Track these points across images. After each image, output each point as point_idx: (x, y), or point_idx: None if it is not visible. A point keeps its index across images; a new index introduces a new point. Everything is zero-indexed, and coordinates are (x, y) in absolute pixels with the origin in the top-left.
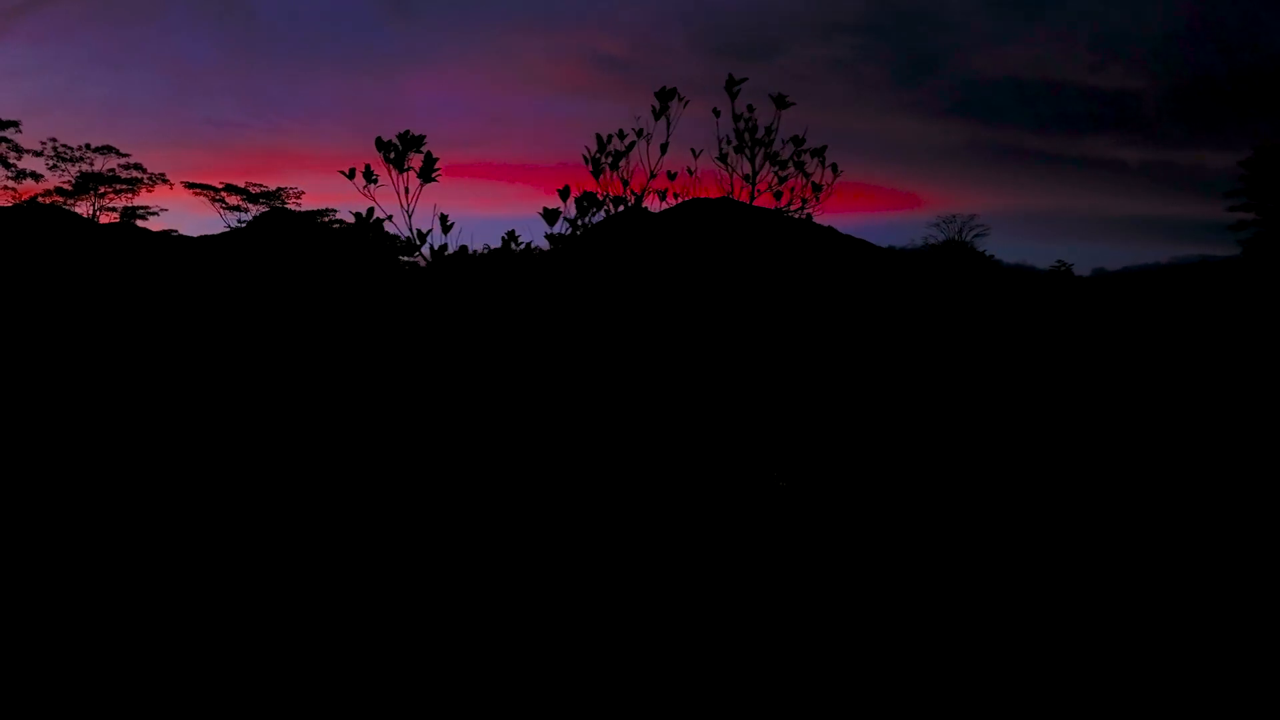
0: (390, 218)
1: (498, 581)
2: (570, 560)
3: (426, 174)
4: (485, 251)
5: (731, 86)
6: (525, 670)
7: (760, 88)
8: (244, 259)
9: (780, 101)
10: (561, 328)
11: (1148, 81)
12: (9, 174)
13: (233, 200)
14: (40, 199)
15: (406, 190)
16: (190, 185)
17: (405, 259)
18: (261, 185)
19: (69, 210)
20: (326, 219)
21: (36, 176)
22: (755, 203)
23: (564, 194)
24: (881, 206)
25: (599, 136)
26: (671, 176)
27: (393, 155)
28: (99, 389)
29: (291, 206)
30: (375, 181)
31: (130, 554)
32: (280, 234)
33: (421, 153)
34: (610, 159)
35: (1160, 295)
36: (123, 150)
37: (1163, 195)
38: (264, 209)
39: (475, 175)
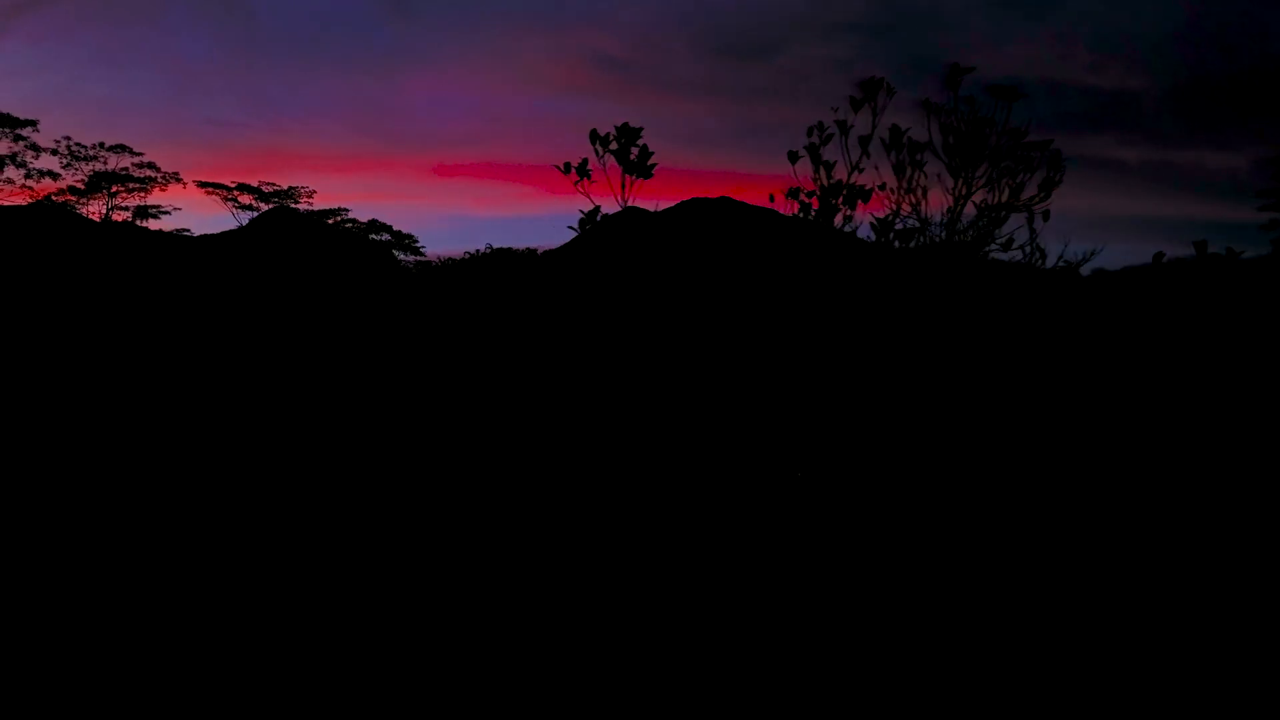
0: (598, 210)
1: (505, 576)
2: (581, 553)
3: (643, 168)
4: (488, 251)
5: (956, 76)
6: (531, 669)
7: (760, 87)
8: (241, 259)
9: (1008, 93)
10: (559, 326)
11: (1147, 81)
12: (25, 173)
13: (245, 199)
14: (54, 198)
15: (624, 185)
16: (203, 184)
17: (403, 258)
18: (274, 184)
19: (70, 210)
20: (337, 219)
21: (54, 175)
22: (973, 200)
23: (793, 194)
24: (881, 206)
25: (810, 129)
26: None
27: (613, 147)
28: (95, 387)
29: (304, 206)
30: (588, 176)
31: (129, 553)
32: (280, 235)
33: (639, 145)
34: (808, 153)
35: (1177, 293)
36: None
37: (1162, 195)
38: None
39: (475, 175)
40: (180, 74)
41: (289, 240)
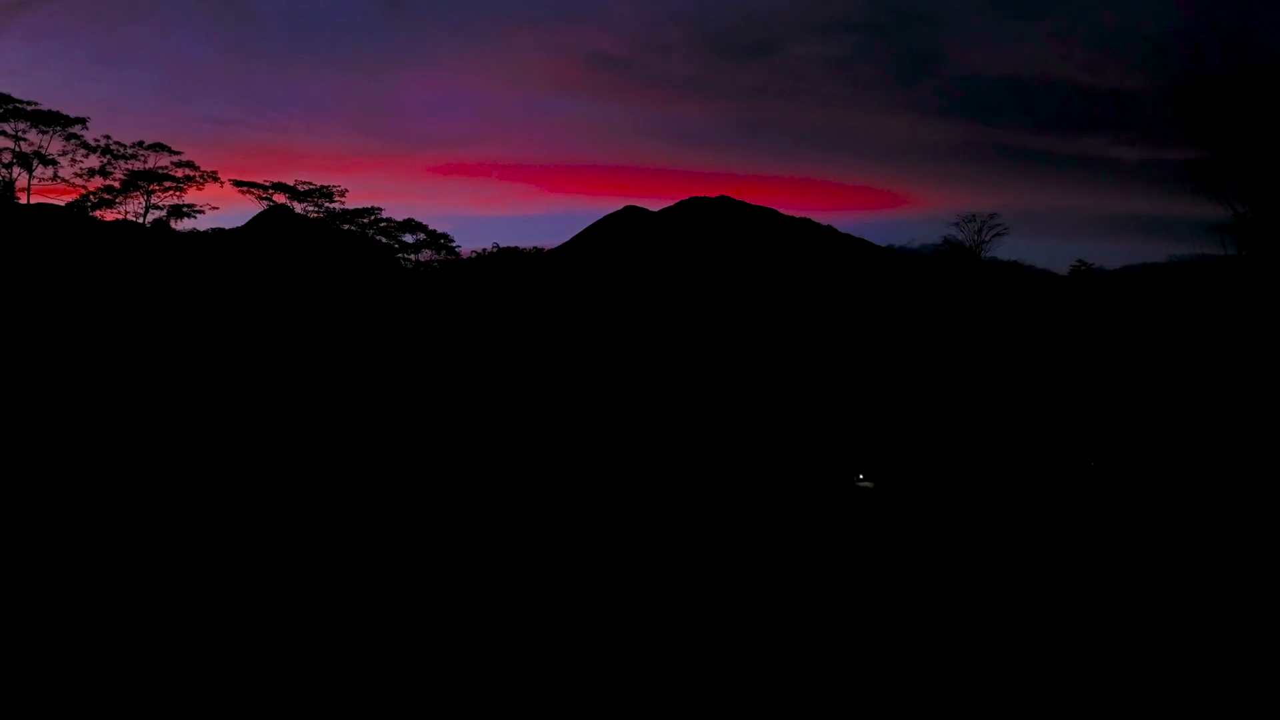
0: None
1: (509, 576)
2: (580, 550)
3: None
4: (495, 250)
5: None
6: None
7: (757, 86)
8: (234, 259)
9: None
10: (563, 326)
11: (1145, 81)
12: (53, 172)
13: (280, 199)
14: (98, 195)
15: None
16: (239, 184)
17: (405, 258)
18: (309, 183)
19: (71, 210)
20: (372, 218)
21: (106, 173)
22: None
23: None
24: (880, 205)
25: None
26: None
27: None
28: (91, 384)
29: (338, 205)
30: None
31: (128, 546)
32: (278, 234)
33: None
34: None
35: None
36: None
37: (1160, 194)
38: (311, 208)
39: (473, 174)
40: (179, 72)
41: (285, 240)
